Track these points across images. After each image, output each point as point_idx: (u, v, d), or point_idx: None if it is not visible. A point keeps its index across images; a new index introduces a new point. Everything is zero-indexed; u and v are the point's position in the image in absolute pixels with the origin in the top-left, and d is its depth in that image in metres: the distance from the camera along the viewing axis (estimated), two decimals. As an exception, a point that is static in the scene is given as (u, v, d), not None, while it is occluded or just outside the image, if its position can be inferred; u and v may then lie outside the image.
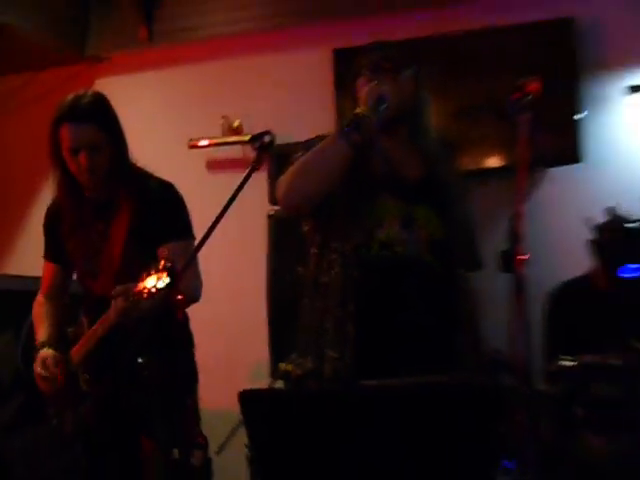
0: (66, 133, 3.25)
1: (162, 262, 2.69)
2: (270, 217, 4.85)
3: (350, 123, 2.83)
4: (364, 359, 2.81)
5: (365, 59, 3.02)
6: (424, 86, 3.07)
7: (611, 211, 4.13)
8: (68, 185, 3.36)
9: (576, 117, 4.84)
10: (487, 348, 3.09)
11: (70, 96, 3.33)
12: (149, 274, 2.73)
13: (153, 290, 2.70)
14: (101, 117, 3.31)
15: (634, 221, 3.98)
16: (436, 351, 2.86)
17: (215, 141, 5.38)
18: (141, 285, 2.75)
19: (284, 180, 2.95)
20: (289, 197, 2.96)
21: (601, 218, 4.16)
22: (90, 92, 3.38)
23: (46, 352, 3.34)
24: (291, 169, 2.95)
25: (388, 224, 2.92)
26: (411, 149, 3.06)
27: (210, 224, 2.59)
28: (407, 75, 2.98)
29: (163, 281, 2.67)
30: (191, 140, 5.43)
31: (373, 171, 2.96)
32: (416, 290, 2.88)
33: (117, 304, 3.04)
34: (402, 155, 3.02)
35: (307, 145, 3.01)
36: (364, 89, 2.92)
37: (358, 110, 2.85)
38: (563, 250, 4.65)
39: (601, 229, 4.15)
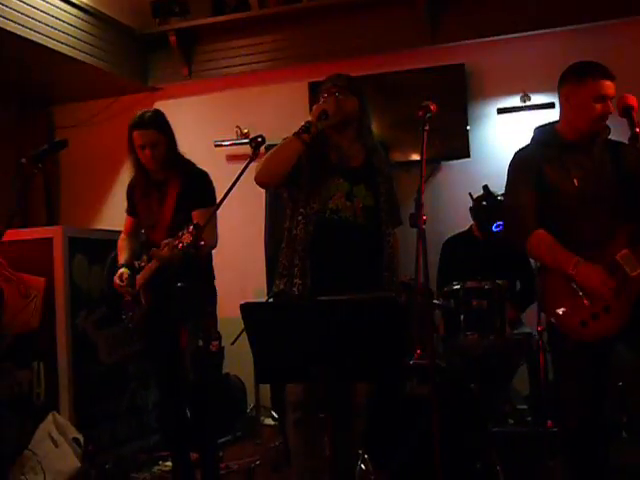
0: (136, 136, 3.24)
1: (191, 225, 2.73)
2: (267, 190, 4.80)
3: (301, 127, 2.79)
4: (318, 284, 2.80)
5: (323, 86, 2.98)
6: (366, 103, 2.99)
7: (485, 188, 4.14)
8: (139, 170, 3.35)
9: (466, 128, 4.85)
10: (401, 278, 3.07)
11: (138, 112, 3.32)
12: (183, 233, 2.74)
13: (184, 244, 2.72)
14: (159, 124, 3.28)
15: (499, 195, 3.98)
16: (367, 280, 2.83)
17: (232, 142, 5.33)
18: (176, 241, 2.78)
19: (258, 165, 2.87)
20: (260, 175, 2.86)
21: (479, 193, 4.17)
22: (151, 109, 3.37)
23: (123, 270, 3.35)
24: (263, 158, 2.89)
25: (337, 197, 2.86)
26: (356, 144, 2.97)
27: (225, 194, 2.64)
28: (347, 96, 2.90)
29: (190, 239, 2.69)
30: (216, 141, 5.37)
31: (329, 159, 2.90)
32: (353, 241, 2.84)
33: (161, 254, 3.07)
34: (349, 148, 2.94)
35: None
36: (315, 105, 2.87)
37: (308, 119, 2.82)
38: (454, 213, 4.63)
39: (478, 200, 4.17)
